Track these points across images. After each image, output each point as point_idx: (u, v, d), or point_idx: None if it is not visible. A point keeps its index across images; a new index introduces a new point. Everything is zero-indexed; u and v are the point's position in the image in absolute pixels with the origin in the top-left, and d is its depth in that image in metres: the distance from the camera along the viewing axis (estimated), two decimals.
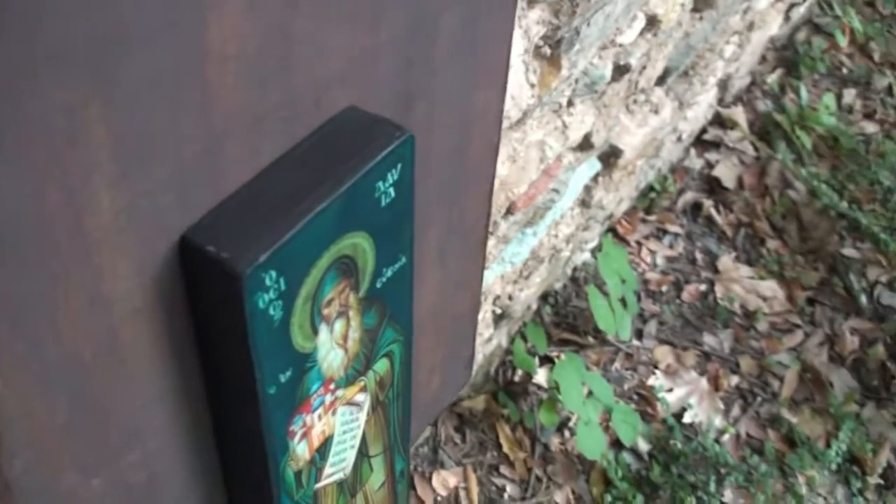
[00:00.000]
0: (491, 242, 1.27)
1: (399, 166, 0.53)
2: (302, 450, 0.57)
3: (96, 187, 0.41)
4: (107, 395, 0.47)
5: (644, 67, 1.41)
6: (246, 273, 0.46)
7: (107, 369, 0.46)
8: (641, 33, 1.29)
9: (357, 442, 0.63)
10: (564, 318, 1.52)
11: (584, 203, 1.48)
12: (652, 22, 1.29)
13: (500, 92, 0.69)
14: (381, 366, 0.62)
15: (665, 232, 1.67)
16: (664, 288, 1.59)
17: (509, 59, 0.67)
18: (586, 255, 1.61)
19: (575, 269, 1.60)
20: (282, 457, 0.56)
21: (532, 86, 1.08)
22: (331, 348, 0.55)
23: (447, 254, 0.73)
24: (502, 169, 1.14)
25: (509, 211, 1.28)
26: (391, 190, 0.54)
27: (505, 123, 1.05)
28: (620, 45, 1.24)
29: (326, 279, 0.52)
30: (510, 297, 1.36)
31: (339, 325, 0.55)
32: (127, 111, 0.40)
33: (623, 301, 1.45)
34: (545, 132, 1.19)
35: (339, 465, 0.63)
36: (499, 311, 1.35)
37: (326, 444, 0.60)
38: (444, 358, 0.82)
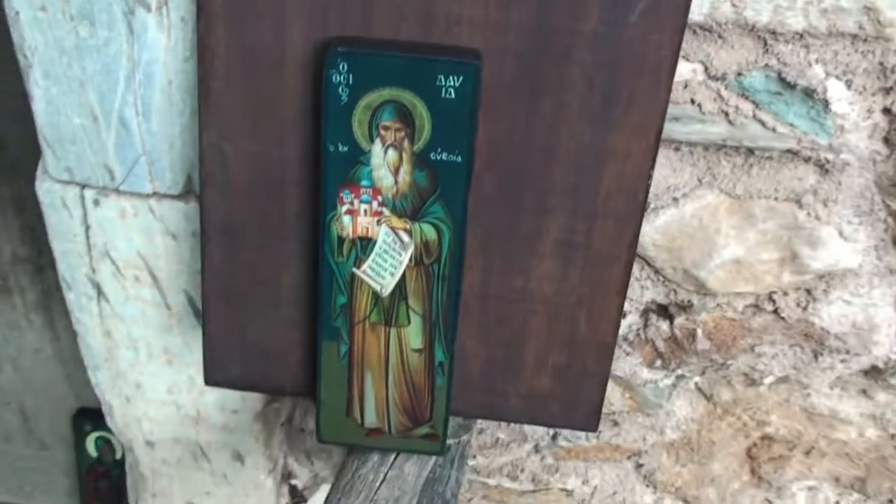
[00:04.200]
0: None
1: (461, 78, 0.86)
2: (347, 222, 0.92)
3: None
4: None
5: None
6: (330, 51, 0.86)
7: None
8: None
9: (397, 273, 0.94)
10: None
11: None
12: None
13: (648, 148, 0.90)
14: (429, 230, 0.92)
15: None
16: None
17: (663, 118, 0.88)
18: None
19: None
20: (330, 211, 0.92)
21: None
22: (382, 165, 0.90)
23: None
24: (865, 425, 1.13)
25: None
26: (451, 91, 0.86)
27: (854, 363, 1.10)
28: None
29: (385, 108, 0.88)
30: None
31: (392, 154, 0.89)
32: None
33: None
34: None
35: (377, 276, 0.94)
36: None
37: (368, 243, 0.93)
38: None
